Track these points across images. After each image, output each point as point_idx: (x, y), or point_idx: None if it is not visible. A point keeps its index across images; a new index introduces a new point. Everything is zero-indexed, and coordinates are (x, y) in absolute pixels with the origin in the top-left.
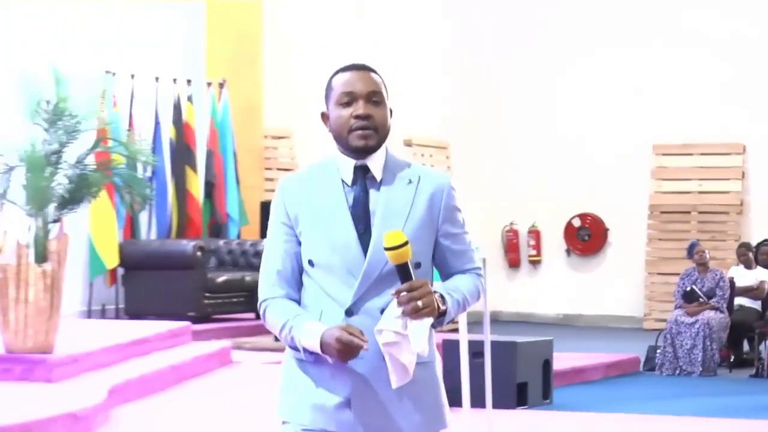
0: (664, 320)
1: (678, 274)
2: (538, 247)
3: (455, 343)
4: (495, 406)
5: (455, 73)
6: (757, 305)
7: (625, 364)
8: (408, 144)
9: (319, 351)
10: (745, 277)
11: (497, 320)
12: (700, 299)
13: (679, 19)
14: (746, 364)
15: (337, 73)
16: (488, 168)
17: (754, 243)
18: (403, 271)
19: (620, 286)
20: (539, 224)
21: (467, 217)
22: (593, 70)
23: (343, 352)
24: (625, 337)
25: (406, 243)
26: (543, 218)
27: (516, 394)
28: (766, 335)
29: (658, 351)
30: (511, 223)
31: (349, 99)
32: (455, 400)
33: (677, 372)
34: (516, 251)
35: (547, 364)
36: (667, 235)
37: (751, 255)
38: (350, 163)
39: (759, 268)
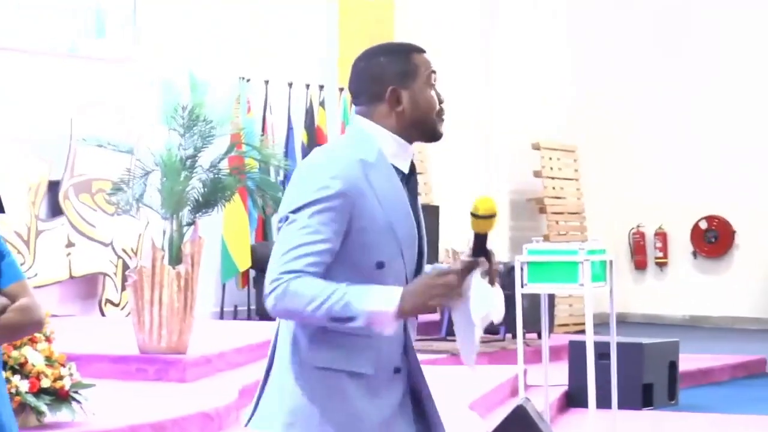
0: None
1: None
2: (664, 249)
3: (582, 345)
4: (620, 406)
5: (582, 77)
6: None
7: (752, 365)
8: (536, 147)
9: (393, 311)
10: None
11: (624, 322)
12: None
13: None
14: None
15: (412, 50)
16: (615, 170)
17: None
18: (483, 243)
19: (747, 287)
20: (666, 226)
21: (595, 221)
22: (723, 72)
23: (450, 288)
24: (752, 339)
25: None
26: (670, 220)
27: (642, 395)
28: None
29: None
30: (638, 226)
31: (434, 81)
32: (581, 401)
33: None
34: (643, 253)
35: (673, 365)
36: None
37: None
38: (409, 149)
39: None
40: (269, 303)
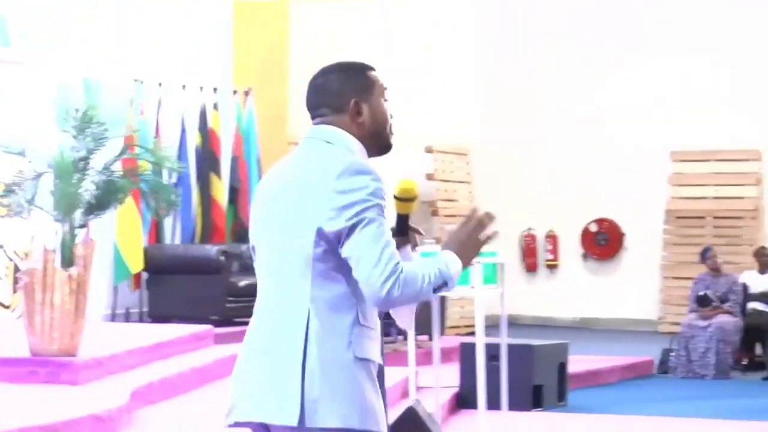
0: (679, 324)
1: (693, 278)
2: (555, 251)
3: (472, 346)
4: (511, 407)
5: (474, 80)
6: None
7: (640, 367)
8: (429, 151)
9: (461, 267)
10: (759, 281)
11: (514, 324)
12: (714, 303)
13: (697, 28)
14: (759, 366)
15: (367, 68)
16: (506, 173)
17: None
18: (405, 223)
19: (636, 290)
20: (556, 229)
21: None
22: (612, 78)
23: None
24: (641, 341)
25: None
26: (560, 223)
27: (532, 396)
28: None
29: (672, 354)
30: (529, 228)
31: (386, 97)
32: (472, 402)
33: (690, 375)
34: (533, 256)
35: (562, 366)
36: (683, 240)
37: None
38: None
39: None
40: (393, 293)
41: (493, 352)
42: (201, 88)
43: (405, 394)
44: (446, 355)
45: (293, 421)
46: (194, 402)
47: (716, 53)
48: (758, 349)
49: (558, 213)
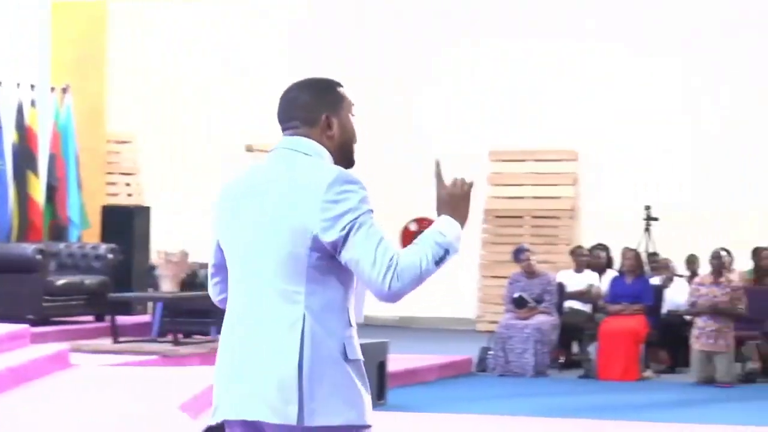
0: (497, 322)
1: (509, 277)
2: None
3: None
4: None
5: (297, 78)
6: (587, 308)
7: (459, 366)
8: (249, 150)
9: (458, 227)
10: (575, 280)
11: None
12: (529, 305)
13: (521, 29)
14: (576, 365)
15: (337, 84)
16: None
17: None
18: None
19: (455, 289)
20: None
21: None
22: (430, 78)
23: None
24: (459, 339)
25: None
26: (380, 221)
27: None
28: (595, 337)
29: (491, 353)
30: None
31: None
32: None
33: (508, 374)
34: None
35: (382, 365)
36: (500, 239)
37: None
38: None
39: (588, 271)
40: (394, 286)
41: None
42: (18, 84)
43: None
44: None
45: (292, 420)
46: (10, 402)
47: (537, 55)
48: (575, 348)
49: (378, 212)
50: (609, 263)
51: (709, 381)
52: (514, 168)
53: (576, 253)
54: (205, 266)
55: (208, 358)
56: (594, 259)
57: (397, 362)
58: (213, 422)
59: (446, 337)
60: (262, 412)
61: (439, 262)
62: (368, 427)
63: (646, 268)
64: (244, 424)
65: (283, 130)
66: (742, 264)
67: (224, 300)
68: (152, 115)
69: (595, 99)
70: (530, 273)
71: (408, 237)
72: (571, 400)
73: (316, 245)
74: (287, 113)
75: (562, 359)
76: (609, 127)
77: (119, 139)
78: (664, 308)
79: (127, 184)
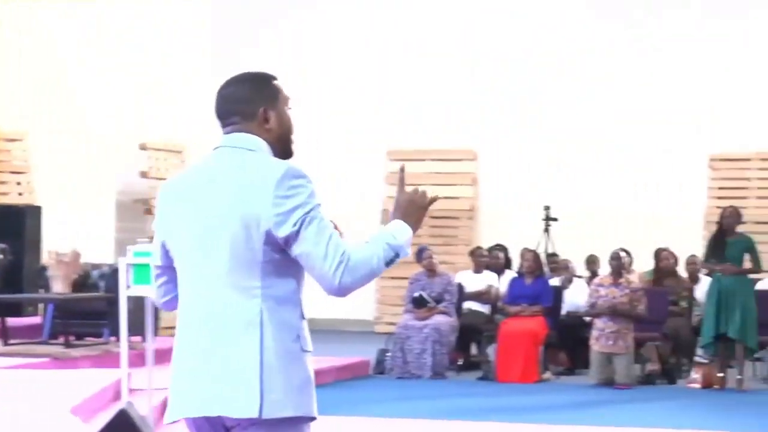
0: (395, 323)
1: (409, 278)
2: None
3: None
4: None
5: (190, 76)
6: (485, 309)
7: (356, 368)
8: (143, 148)
9: (410, 232)
10: (474, 281)
11: None
12: (429, 304)
13: (413, 26)
14: (475, 366)
15: (272, 77)
16: None
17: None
18: None
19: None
20: None
21: None
22: (329, 76)
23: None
24: (357, 341)
25: None
26: None
27: None
28: (494, 338)
29: (389, 355)
30: None
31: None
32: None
33: (407, 376)
34: None
35: None
36: None
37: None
38: None
39: (487, 272)
40: (344, 281)
41: None
42: None
43: (117, 396)
44: (160, 356)
45: (254, 413)
46: None
47: (433, 55)
48: (473, 349)
49: None
50: (508, 264)
51: (608, 382)
52: (413, 167)
53: (475, 253)
54: (97, 266)
55: (101, 361)
56: (493, 259)
57: None
58: (170, 420)
59: (344, 339)
60: (225, 407)
61: (389, 263)
62: (315, 418)
63: (546, 269)
64: (206, 420)
65: (223, 126)
66: (642, 265)
67: (170, 301)
68: (43, 113)
69: (493, 98)
70: (431, 272)
71: None
72: (470, 402)
73: (270, 240)
74: (225, 109)
75: (460, 361)
76: (507, 126)
77: (9, 137)
78: (564, 309)
79: (18, 183)
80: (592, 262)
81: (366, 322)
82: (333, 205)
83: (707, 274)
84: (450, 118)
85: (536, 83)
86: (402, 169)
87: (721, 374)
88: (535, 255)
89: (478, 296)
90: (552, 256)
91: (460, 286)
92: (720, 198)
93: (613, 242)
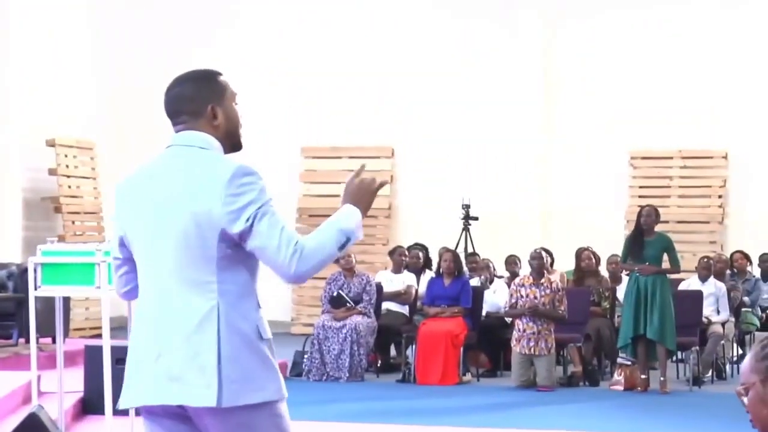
0: (313, 325)
1: (326, 278)
2: None
3: (98, 349)
4: (138, 413)
5: (101, 72)
6: (404, 309)
7: None
8: (51, 144)
9: (359, 216)
10: (392, 281)
11: None
12: (348, 304)
13: (330, 24)
14: (394, 368)
15: (217, 74)
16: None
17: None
18: None
19: (268, 290)
20: None
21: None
22: (242, 70)
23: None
24: (274, 342)
25: None
26: None
27: None
28: (413, 339)
29: (306, 356)
30: None
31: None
32: (98, 407)
33: (325, 378)
34: None
35: None
36: None
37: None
38: None
39: (406, 272)
40: (301, 269)
41: (119, 355)
42: None
43: (27, 399)
44: (70, 358)
45: (212, 403)
46: None
47: (349, 51)
48: (393, 351)
49: None
50: (427, 264)
51: (529, 385)
52: (329, 165)
53: (394, 253)
54: (4, 266)
55: (9, 363)
56: (412, 259)
57: None
58: (125, 406)
59: None
60: (184, 396)
61: (341, 247)
62: (284, 398)
63: (465, 269)
64: (164, 409)
65: (173, 125)
66: (563, 265)
67: (130, 291)
68: None
69: (411, 95)
70: (349, 272)
71: None
72: (389, 404)
73: (224, 237)
74: (174, 109)
75: (379, 363)
76: (426, 122)
77: None
78: (484, 310)
79: None
80: (512, 262)
81: (282, 323)
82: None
83: (625, 274)
84: (366, 115)
85: (455, 81)
86: (362, 166)
87: (644, 376)
88: (455, 255)
89: (396, 297)
90: (472, 256)
91: (378, 287)
92: (641, 197)
93: (534, 242)
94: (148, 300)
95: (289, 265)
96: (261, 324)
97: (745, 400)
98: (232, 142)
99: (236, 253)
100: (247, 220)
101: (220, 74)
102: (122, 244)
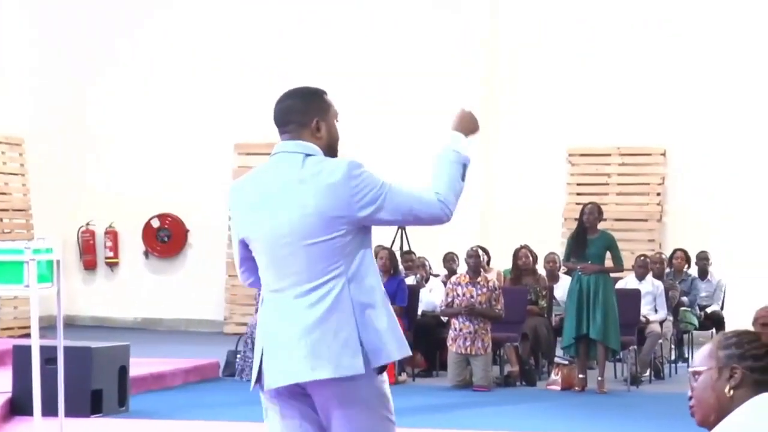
0: (246, 324)
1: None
2: (115, 248)
3: (27, 349)
4: (68, 414)
5: (29, 67)
6: None
7: (206, 370)
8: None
9: (467, 140)
10: None
11: (72, 325)
12: None
13: (255, 16)
14: None
15: (324, 92)
16: (65, 165)
17: None
18: None
19: (201, 289)
20: (117, 224)
21: (42, 218)
22: (158, 66)
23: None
24: (206, 342)
25: None
26: (121, 218)
27: (90, 402)
28: None
29: (239, 356)
30: (88, 224)
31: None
32: (26, 408)
33: None
34: (92, 253)
35: (123, 370)
36: None
37: None
38: None
39: None
40: (450, 210)
41: (48, 355)
42: None
43: None
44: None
45: (362, 370)
46: None
47: (273, 45)
48: None
49: (119, 207)
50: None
51: (466, 385)
52: (260, 161)
53: None
54: None
55: None
56: None
57: (139, 367)
58: (273, 386)
59: (192, 340)
60: (336, 369)
61: (463, 177)
62: (407, 353)
63: (401, 267)
64: (290, 390)
65: (280, 133)
66: (501, 263)
67: (252, 282)
68: None
69: (343, 92)
70: None
71: (151, 234)
72: None
73: (350, 224)
74: (283, 118)
75: None
76: (362, 120)
77: None
78: (420, 309)
79: None
80: (450, 260)
81: (215, 322)
82: (179, 199)
83: (567, 273)
84: None
85: (392, 81)
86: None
87: (582, 376)
88: (390, 253)
89: None
90: (407, 254)
91: None
92: (579, 194)
93: (471, 239)
94: (277, 291)
95: (441, 213)
96: (382, 295)
97: (695, 384)
98: (331, 153)
99: (356, 237)
100: (377, 201)
101: (326, 93)
102: (243, 246)
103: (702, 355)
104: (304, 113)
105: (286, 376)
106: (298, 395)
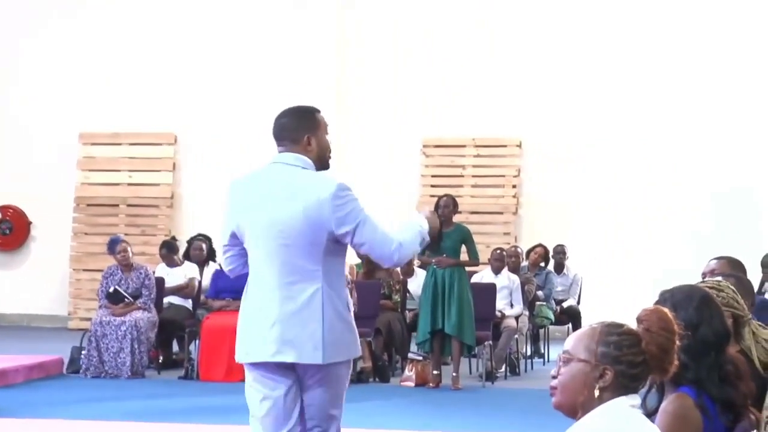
0: (90, 319)
1: (103, 272)
2: None
3: None
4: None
5: None
6: (188, 303)
7: (49, 366)
8: None
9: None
10: (173, 274)
11: None
12: (126, 300)
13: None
14: (177, 364)
15: (316, 110)
16: None
17: (185, 237)
18: None
19: (44, 283)
20: None
21: None
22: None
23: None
24: (49, 338)
25: None
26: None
27: None
28: (196, 334)
29: (84, 353)
30: None
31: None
32: None
33: (103, 375)
34: None
35: None
36: (94, 230)
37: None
38: None
39: (188, 264)
40: (402, 257)
41: None
42: None
43: None
44: None
45: (319, 361)
46: None
47: (134, 36)
48: (175, 347)
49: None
50: (211, 255)
51: None
52: (108, 152)
53: (166, 245)
54: None
55: None
56: (195, 251)
57: None
58: (241, 361)
59: (35, 336)
60: (298, 356)
61: (420, 245)
62: (359, 354)
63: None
64: (276, 363)
65: (278, 146)
66: (353, 257)
67: (233, 269)
68: None
69: (193, 77)
70: (126, 266)
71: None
72: (170, 402)
73: (330, 236)
74: (280, 134)
75: (161, 359)
76: (212, 108)
77: None
78: None
79: None
80: None
81: (59, 317)
82: (21, 190)
83: (422, 267)
84: (148, 100)
85: (244, 65)
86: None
87: (437, 372)
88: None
89: (178, 290)
90: None
91: (159, 280)
92: (434, 186)
93: None
94: (262, 280)
95: (392, 255)
96: (348, 300)
97: (564, 368)
98: (321, 164)
99: (335, 247)
100: (352, 224)
101: (318, 111)
102: (233, 235)
103: (579, 341)
104: (297, 130)
105: (256, 354)
106: (282, 367)
